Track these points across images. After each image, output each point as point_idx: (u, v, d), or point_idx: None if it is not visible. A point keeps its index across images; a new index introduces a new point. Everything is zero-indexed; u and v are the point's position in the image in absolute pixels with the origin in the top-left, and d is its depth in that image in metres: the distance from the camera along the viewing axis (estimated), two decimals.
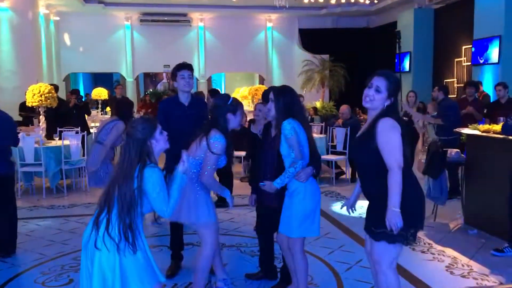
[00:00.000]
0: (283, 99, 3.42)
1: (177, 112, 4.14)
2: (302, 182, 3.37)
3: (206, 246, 3.54)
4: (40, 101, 7.52)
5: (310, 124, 9.46)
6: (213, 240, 3.55)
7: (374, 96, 2.82)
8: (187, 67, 4.12)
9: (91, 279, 2.50)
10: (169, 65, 16.56)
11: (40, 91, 7.55)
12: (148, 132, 2.62)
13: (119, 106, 5.62)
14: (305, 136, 3.39)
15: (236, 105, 3.54)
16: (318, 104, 12.91)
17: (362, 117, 10.02)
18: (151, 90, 21.42)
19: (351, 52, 15.22)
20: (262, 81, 17.15)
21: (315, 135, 8.70)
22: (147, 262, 2.60)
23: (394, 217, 2.65)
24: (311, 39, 16.22)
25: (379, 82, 2.82)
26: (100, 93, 14.40)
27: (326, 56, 15.09)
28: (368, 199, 2.97)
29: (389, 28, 14.31)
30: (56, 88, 8.85)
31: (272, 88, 3.66)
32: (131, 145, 2.58)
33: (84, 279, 2.57)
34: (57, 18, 14.50)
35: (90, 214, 5.59)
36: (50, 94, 7.58)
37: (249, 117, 8.52)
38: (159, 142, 2.66)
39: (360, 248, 4.88)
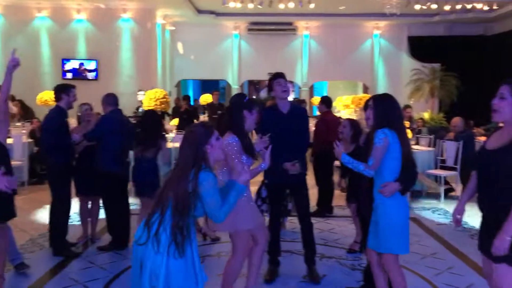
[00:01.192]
0: (382, 107, 3.33)
1: (276, 120, 4.19)
2: (385, 197, 3.24)
3: (237, 254, 3.53)
4: (156, 106, 8.06)
5: (417, 136, 9.10)
6: (245, 249, 3.54)
7: (499, 103, 2.65)
8: (283, 76, 4.23)
9: (142, 278, 2.50)
10: (272, 73, 16.87)
11: (155, 96, 8.10)
12: (204, 137, 2.64)
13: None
14: (399, 148, 3.24)
15: (252, 103, 3.62)
16: (426, 115, 12.27)
17: (475, 131, 9.32)
18: (254, 97, 22.04)
19: (464, 61, 14.29)
20: (366, 90, 16.76)
21: (422, 148, 8.31)
22: (191, 270, 2.55)
23: (502, 244, 2.50)
24: (421, 47, 15.50)
25: (503, 89, 2.66)
26: (207, 99, 15.04)
27: (437, 65, 14.32)
28: (487, 216, 2.73)
29: (509, 36, 13.18)
30: None
31: (372, 96, 3.58)
32: (187, 149, 2.61)
33: (133, 277, 2.61)
34: (173, 28, 15.48)
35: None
36: (165, 99, 8.10)
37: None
38: (215, 148, 2.66)
39: (470, 271, 4.54)
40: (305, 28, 16.19)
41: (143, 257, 2.51)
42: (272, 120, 4.19)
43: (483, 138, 7.37)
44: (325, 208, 6.74)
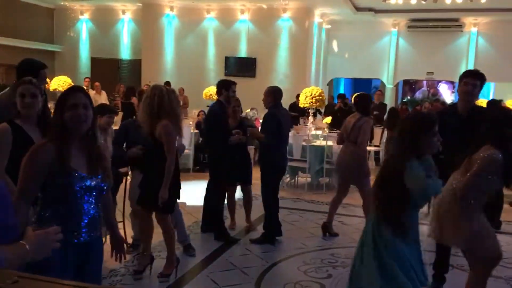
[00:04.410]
0: None
1: (452, 123, 3.85)
2: None
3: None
4: (311, 103, 8.15)
5: None
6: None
7: None
8: (473, 74, 3.81)
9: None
10: (432, 72, 15.86)
11: (312, 94, 8.18)
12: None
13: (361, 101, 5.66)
14: None
15: None
16: None
17: None
18: (408, 97, 20.93)
19: None
20: None
21: None
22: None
23: None
24: None
25: None
26: None
27: None
28: None
29: None
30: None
31: None
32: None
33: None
34: (329, 26, 15.50)
35: (344, 214, 5.79)
36: (320, 97, 8.14)
37: None
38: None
39: None
40: (473, 24, 14.87)
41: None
42: (448, 123, 3.78)
43: None
44: (492, 223, 6.10)
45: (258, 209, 5.77)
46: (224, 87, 5.23)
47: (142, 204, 4.13)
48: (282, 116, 5.27)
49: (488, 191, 3.18)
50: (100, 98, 11.56)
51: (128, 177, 4.84)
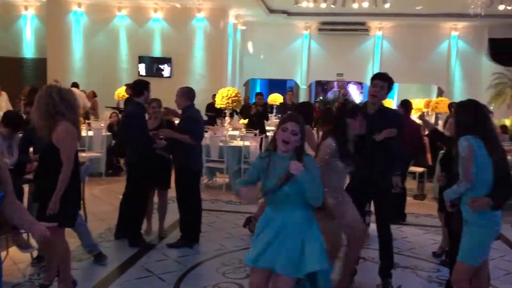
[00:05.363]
0: (463, 114, 3.20)
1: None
2: (473, 211, 3.07)
3: None
4: (227, 104, 8.15)
5: None
6: None
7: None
8: (378, 76, 4.04)
9: None
10: (342, 74, 16.61)
11: (227, 95, 8.18)
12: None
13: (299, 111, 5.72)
14: (487, 158, 3.03)
15: (355, 109, 3.78)
16: (508, 122, 11.54)
17: None
18: (321, 98, 21.77)
19: None
20: (440, 93, 16.07)
21: None
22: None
23: None
24: (503, 50, 14.62)
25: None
26: (276, 98, 15.05)
27: None
28: None
29: None
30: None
31: (454, 103, 3.44)
32: None
33: None
34: (244, 28, 15.63)
35: None
36: (236, 98, 8.17)
37: None
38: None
39: None
40: (378, 28, 15.81)
41: None
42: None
43: None
44: (398, 215, 6.48)
45: (175, 213, 5.63)
46: (146, 88, 5.06)
47: (41, 220, 3.73)
48: (200, 117, 5.23)
49: (336, 173, 3.63)
50: (0, 99, 10.68)
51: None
